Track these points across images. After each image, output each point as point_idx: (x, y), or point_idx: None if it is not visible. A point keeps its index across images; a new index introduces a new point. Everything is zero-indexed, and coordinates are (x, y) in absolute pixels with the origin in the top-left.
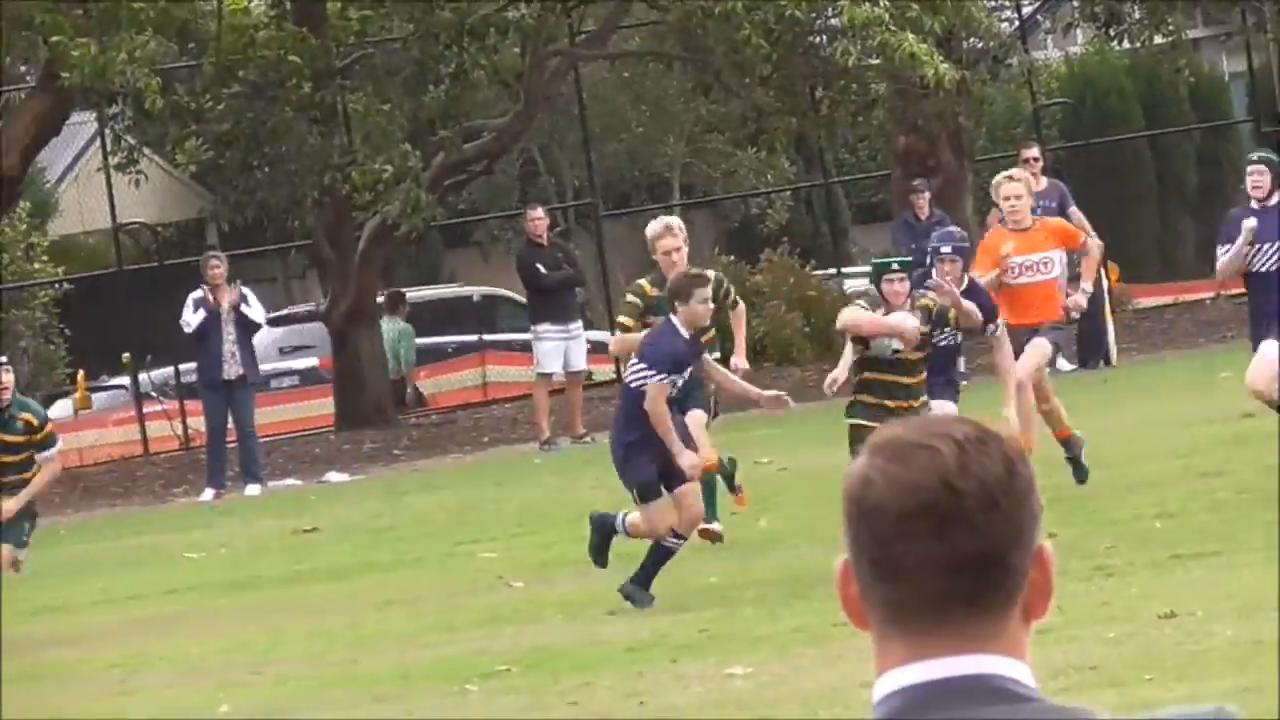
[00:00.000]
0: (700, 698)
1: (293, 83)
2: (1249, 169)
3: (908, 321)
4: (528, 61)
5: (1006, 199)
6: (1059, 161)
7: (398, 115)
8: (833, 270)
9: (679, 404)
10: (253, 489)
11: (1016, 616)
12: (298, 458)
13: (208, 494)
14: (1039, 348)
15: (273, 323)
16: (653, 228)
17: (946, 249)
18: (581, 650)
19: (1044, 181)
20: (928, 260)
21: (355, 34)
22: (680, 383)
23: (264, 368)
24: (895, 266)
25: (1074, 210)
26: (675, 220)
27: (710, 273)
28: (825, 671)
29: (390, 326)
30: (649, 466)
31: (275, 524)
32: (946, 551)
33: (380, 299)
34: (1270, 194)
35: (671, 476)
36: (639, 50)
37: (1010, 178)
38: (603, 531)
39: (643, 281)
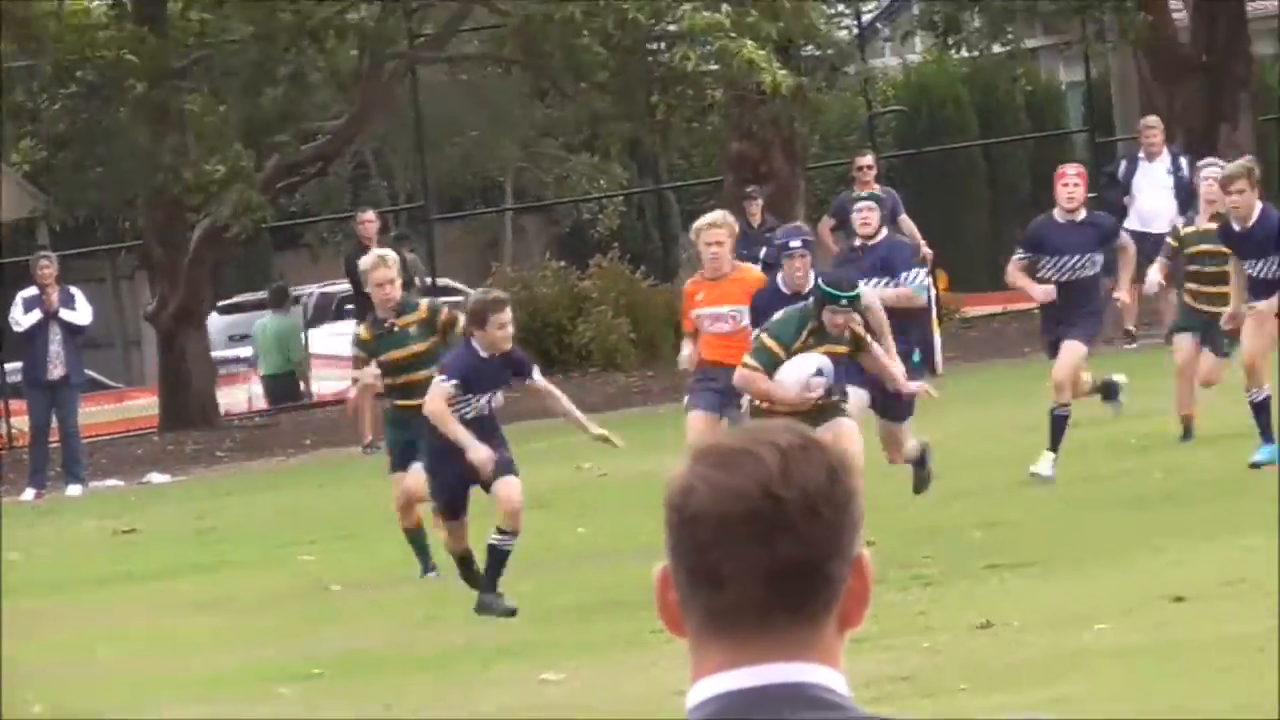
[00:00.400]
0: (514, 702)
1: (129, 83)
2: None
3: (791, 392)
4: (365, 64)
5: (708, 245)
6: (892, 169)
7: (233, 116)
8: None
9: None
10: (74, 489)
11: (833, 625)
12: (120, 459)
13: (28, 494)
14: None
15: (223, 310)
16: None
17: (796, 243)
18: (397, 655)
19: (876, 189)
20: (760, 265)
21: (195, 35)
22: (475, 401)
23: (215, 354)
24: (844, 301)
25: (904, 218)
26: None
27: (505, 295)
28: (639, 677)
29: (276, 322)
30: (444, 490)
31: (96, 525)
32: (767, 558)
33: (265, 294)
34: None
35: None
36: (477, 54)
37: (713, 224)
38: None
39: (359, 329)
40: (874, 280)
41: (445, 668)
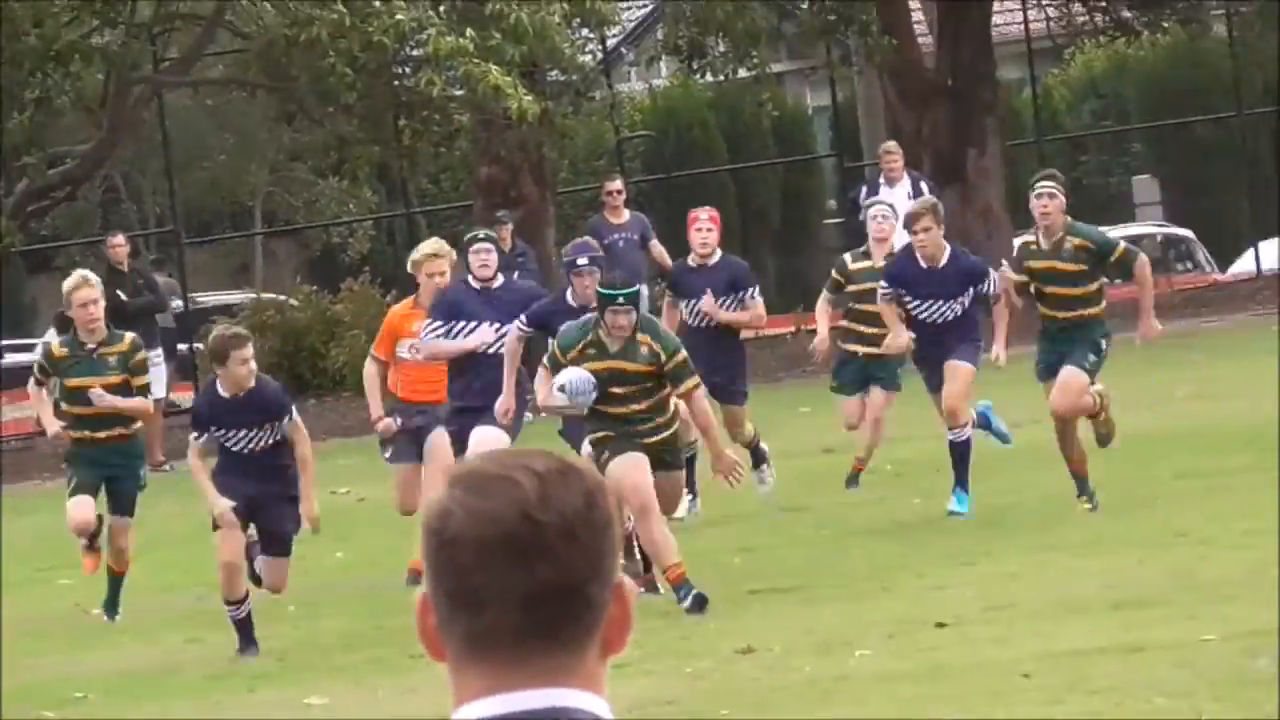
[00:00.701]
0: None
1: None
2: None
3: (555, 400)
4: (112, 89)
5: (430, 276)
6: (641, 194)
7: None
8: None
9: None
10: None
11: (594, 650)
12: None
13: None
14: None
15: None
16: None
17: (583, 260)
18: (161, 677)
19: (626, 214)
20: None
21: None
22: (235, 437)
23: None
24: (620, 300)
25: (655, 243)
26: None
27: (246, 332)
28: (401, 701)
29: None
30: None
31: None
32: (526, 582)
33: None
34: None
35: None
36: (223, 78)
37: (435, 254)
38: None
39: (52, 343)
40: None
41: (210, 691)
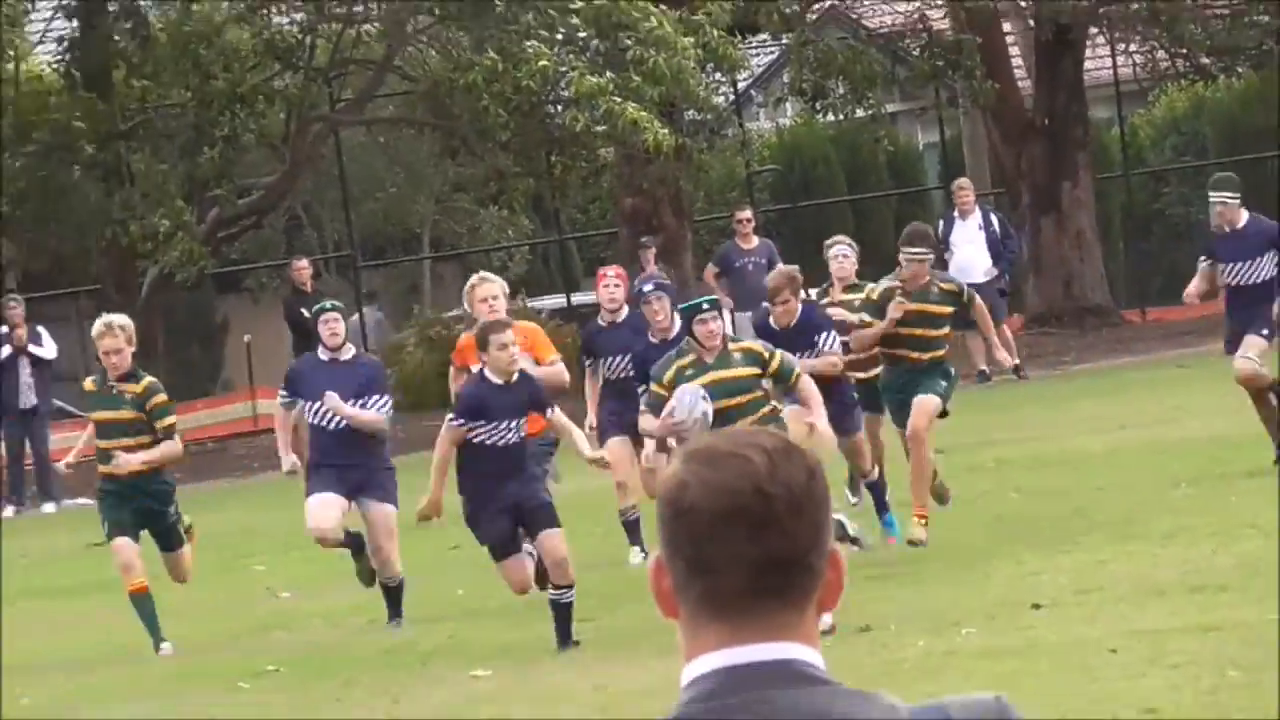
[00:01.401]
0: (448, 696)
1: (80, 144)
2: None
3: (675, 421)
4: (293, 127)
5: (482, 301)
6: (769, 222)
7: (175, 174)
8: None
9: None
10: (48, 507)
11: (812, 610)
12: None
13: (8, 510)
14: None
15: None
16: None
17: (649, 287)
18: (343, 655)
19: (755, 240)
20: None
21: (138, 100)
22: (494, 429)
23: None
24: (705, 306)
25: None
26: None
27: (507, 319)
28: (561, 673)
29: None
30: (489, 527)
31: (68, 539)
32: (757, 550)
33: None
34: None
35: (530, 524)
36: (392, 117)
37: (485, 280)
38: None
39: (87, 381)
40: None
41: (386, 666)
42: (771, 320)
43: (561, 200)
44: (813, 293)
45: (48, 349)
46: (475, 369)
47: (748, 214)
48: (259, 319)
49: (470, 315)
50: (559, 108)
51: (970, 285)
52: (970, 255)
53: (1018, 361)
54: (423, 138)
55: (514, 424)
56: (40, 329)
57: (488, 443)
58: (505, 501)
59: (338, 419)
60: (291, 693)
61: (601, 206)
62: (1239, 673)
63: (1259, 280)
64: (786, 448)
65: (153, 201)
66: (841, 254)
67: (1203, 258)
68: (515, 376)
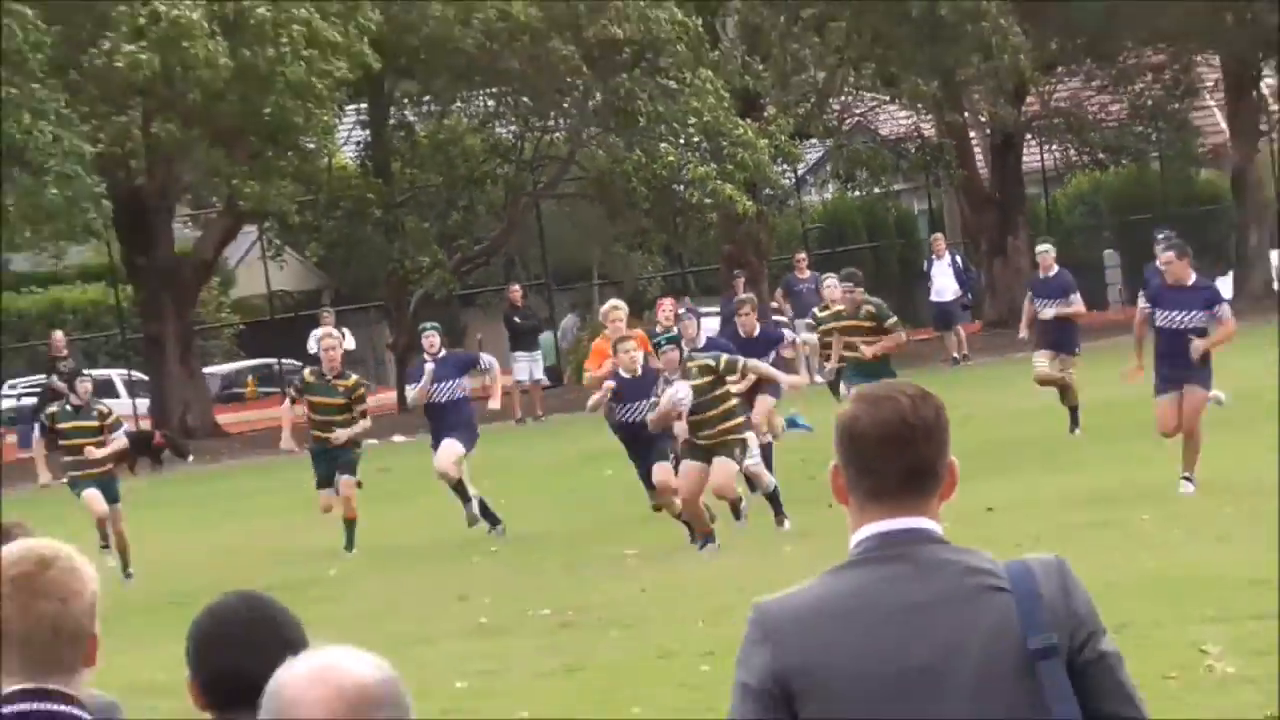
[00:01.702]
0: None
1: (370, 210)
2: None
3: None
4: (508, 200)
5: (612, 321)
6: (816, 262)
7: (432, 231)
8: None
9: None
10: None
11: (937, 499)
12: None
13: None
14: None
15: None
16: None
17: (681, 310)
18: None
19: (808, 273)
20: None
21: (408, 182)
22: (628, 410)
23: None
24: (663, 343)
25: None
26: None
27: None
28: (700, 559)
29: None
30: (646, 453)
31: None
32: (904, 462)
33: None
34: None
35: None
36: (574, 193)
37: (615, 306)
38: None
39: (307, 371)
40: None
41: (557, 555)
42: (740, 328)
43: (682, 246)
44: (815, 310)
45: (349, 342)
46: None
47: (802, 256)
48: (488, 324)
49: (600, 325)
50: (681, 187)
51: (944, 302)
52: (944, 283)
53: (966, 353)
54: (593, 207)
55: (643, 405)
56: (345, 330)
57: (625, 420)
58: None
59: (449, 393)
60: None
61: (708, 252)
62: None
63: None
64: (923, 394)
65: (418, 247)
66: (831, 282)
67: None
68: (639, 371)
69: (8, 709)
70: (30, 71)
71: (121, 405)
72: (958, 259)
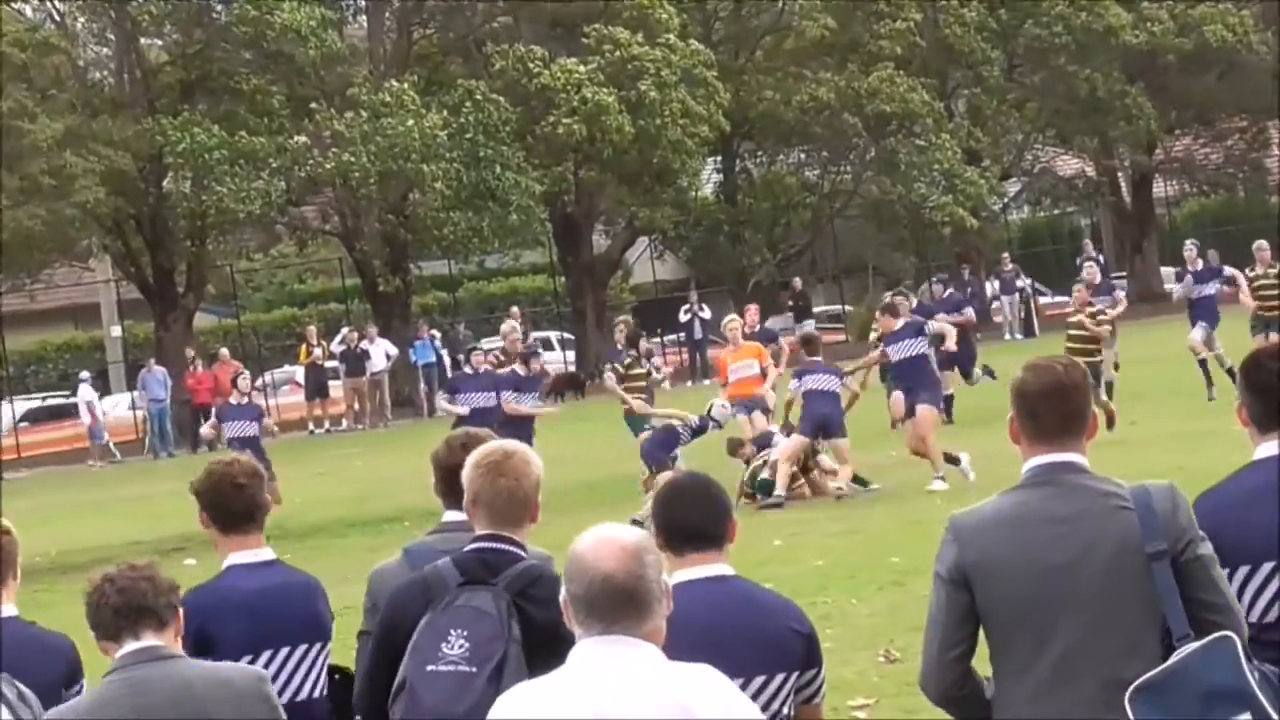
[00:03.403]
0: None
1: (721, 226)
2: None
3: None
4: (813, 219)
5: (732, 330)
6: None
7: (763, 239)
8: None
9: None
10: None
11: (1084, 437)
12: None
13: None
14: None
15: None
16: (727, 318)
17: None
18: None
19: (1010, 265)
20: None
21: (748, 208)
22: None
23: None
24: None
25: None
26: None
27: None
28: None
29: None
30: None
31: None
32: (1061, 411)
33: None
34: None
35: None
36: (857, 215)
37: (732, 319)
38: None
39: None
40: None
41: None
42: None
43: (927, 249)
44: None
45: (705, 313)
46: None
47: (1006, 255)
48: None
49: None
50: (928, 210)
51: None
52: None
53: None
54: (869, 224)
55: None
56: (704, 304)
57: None
58: None
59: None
60: None
61: (944, 253)
62: None
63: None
64: (1070, 363)
65: (753, 250)
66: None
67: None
68: None
69: (479, 545)
70: (502, 138)
71: (554, 356)
72: (1101, 257)
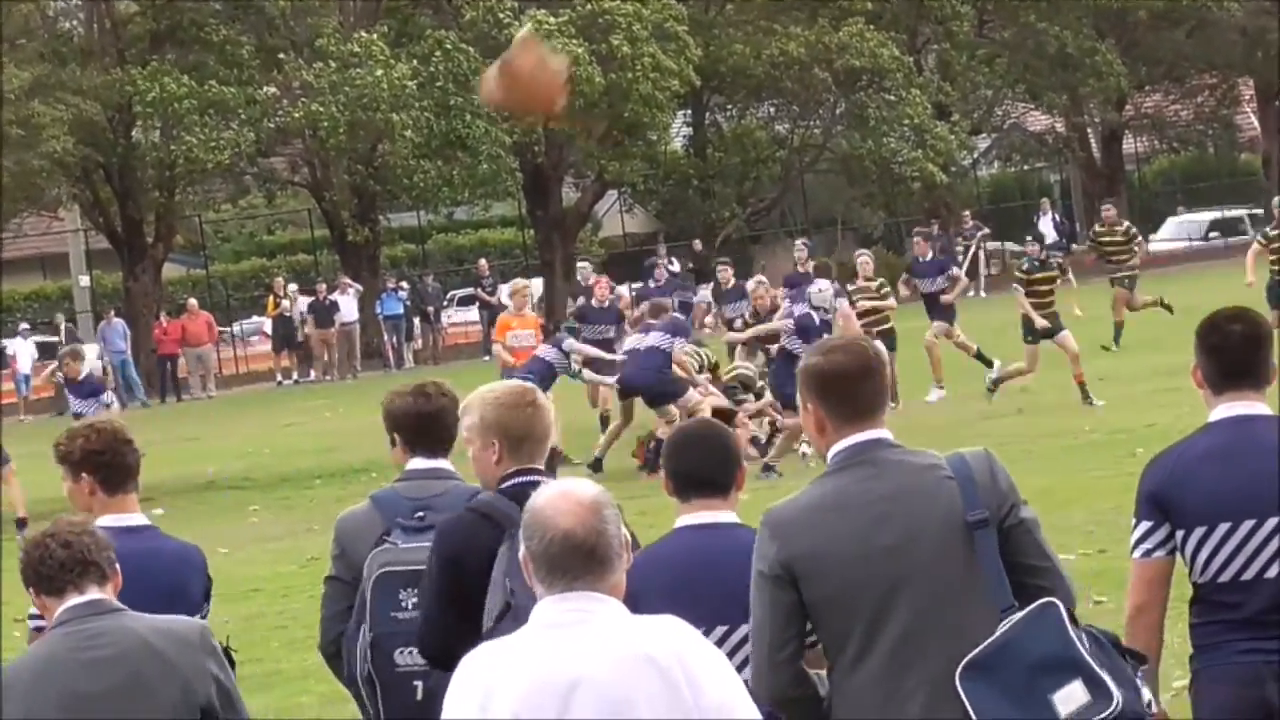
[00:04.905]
0: None
1: (691, 180)
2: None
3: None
4: (782, 173)
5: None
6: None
7: (732, 193)
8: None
9: None
10: None
11: (882, 416)
12: None
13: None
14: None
15: None
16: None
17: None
18: None
19: (971, 221)
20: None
21: (717, 162)
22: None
23: None
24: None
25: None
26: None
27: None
28: None
29: None
30: None
31: None
32: (866, 388)
33: None
34: None
35: None
36: (825, 169)
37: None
38: None
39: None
40: None
41: None
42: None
43: (896, 204)
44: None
45: (674, 265)
46: None
47: (967, 212)
48: (768, 256)
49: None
50: (897, 166)
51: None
52: (1045, 230)
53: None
54: (839, 179)
55: None
56: (673, 257)
57: None
58: None
59: None
60: None
61: (913, 207)
62: None
63: None
64: (866, 340)
65: (722, 204)
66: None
67: None
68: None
69: (523, 480)
70: (473, 87)
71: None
72: (1056, 216)
